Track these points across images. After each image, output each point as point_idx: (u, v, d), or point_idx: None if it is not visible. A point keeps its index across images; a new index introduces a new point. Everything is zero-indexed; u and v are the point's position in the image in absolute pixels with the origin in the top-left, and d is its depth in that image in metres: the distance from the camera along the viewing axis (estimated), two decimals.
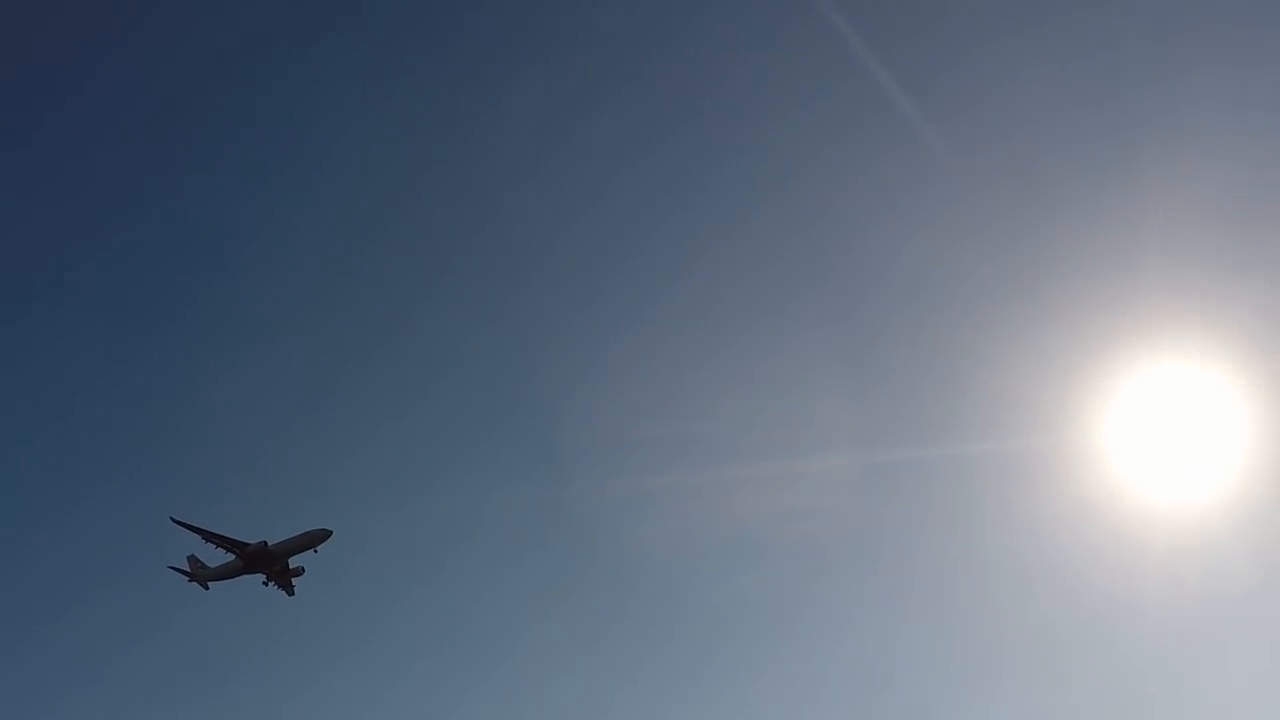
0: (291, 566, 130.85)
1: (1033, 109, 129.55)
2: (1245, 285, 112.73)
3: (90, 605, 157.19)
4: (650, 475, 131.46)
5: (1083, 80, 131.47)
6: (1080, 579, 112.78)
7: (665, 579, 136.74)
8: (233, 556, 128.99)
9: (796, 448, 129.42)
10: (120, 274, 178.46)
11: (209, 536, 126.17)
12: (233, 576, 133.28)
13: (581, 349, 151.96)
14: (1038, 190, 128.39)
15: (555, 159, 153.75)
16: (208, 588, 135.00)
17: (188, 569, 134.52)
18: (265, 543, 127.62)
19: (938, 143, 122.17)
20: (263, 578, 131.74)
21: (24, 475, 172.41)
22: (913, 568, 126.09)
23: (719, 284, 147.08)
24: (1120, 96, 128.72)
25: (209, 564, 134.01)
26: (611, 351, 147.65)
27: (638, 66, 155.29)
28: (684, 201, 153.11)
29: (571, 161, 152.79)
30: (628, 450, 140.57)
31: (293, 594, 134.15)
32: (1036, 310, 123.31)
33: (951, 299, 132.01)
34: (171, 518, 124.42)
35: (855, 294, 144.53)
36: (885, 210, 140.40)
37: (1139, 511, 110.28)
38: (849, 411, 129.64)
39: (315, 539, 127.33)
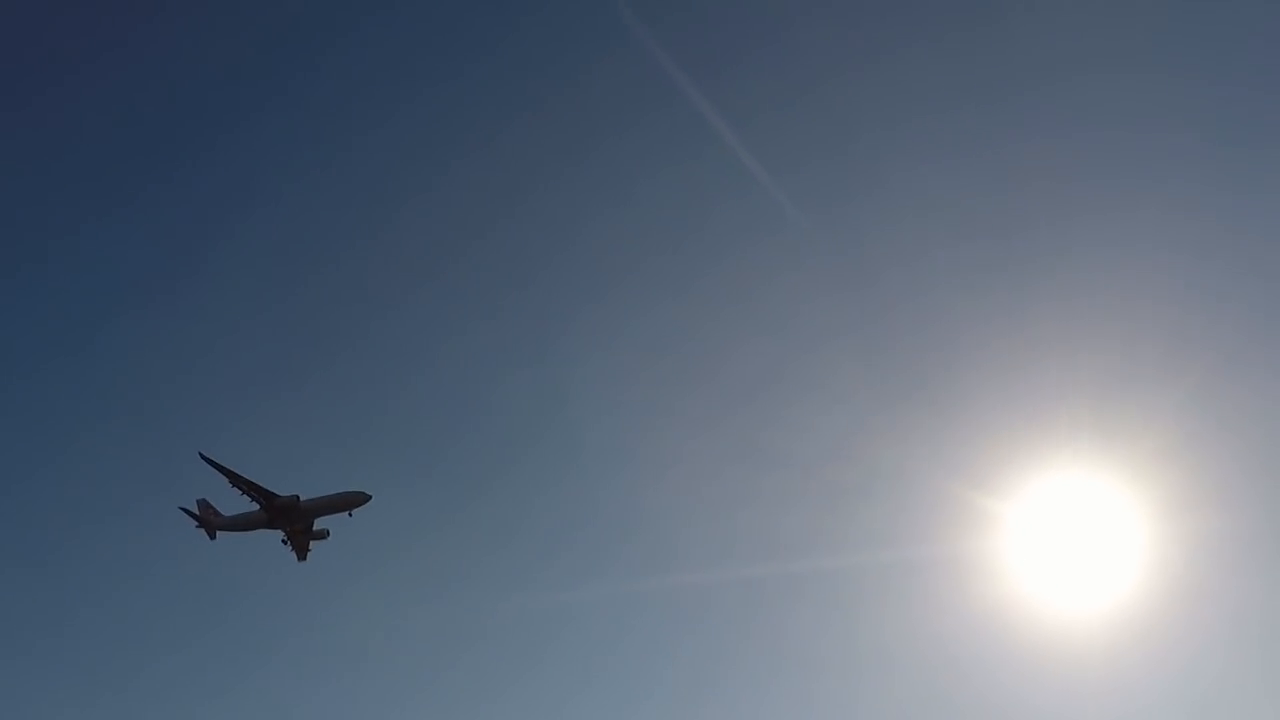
0: (316, 529, 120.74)
1: (927, 228, 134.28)
2: (1136, 400, 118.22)
3: (86, 538, 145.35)
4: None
5: (974, 206, 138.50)
6: (982, 685, 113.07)
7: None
8: (256, 507, 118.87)
9: (701, 559, 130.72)
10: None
11: (237, 480, 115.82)
12: (247, 529, 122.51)
13: None
14: (936, 308, 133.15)
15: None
16: (214, 537, 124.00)
17: (198, 513, 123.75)
18: (297, 497, 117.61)
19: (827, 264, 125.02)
20: (281, 535, 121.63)
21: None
22: (817, 675, 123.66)
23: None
24: (1009, 211, 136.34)
25: (223, 512, 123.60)
26: None
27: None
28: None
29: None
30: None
31: (304, 559, 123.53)
32: (938, 422, 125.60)
33: (857, 410, 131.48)
34: (200, 453, 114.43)
35: (753, 407, 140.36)
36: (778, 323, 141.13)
37: (1040, 618, 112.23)
38: (753, 522, 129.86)
39: (351, 502, 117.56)
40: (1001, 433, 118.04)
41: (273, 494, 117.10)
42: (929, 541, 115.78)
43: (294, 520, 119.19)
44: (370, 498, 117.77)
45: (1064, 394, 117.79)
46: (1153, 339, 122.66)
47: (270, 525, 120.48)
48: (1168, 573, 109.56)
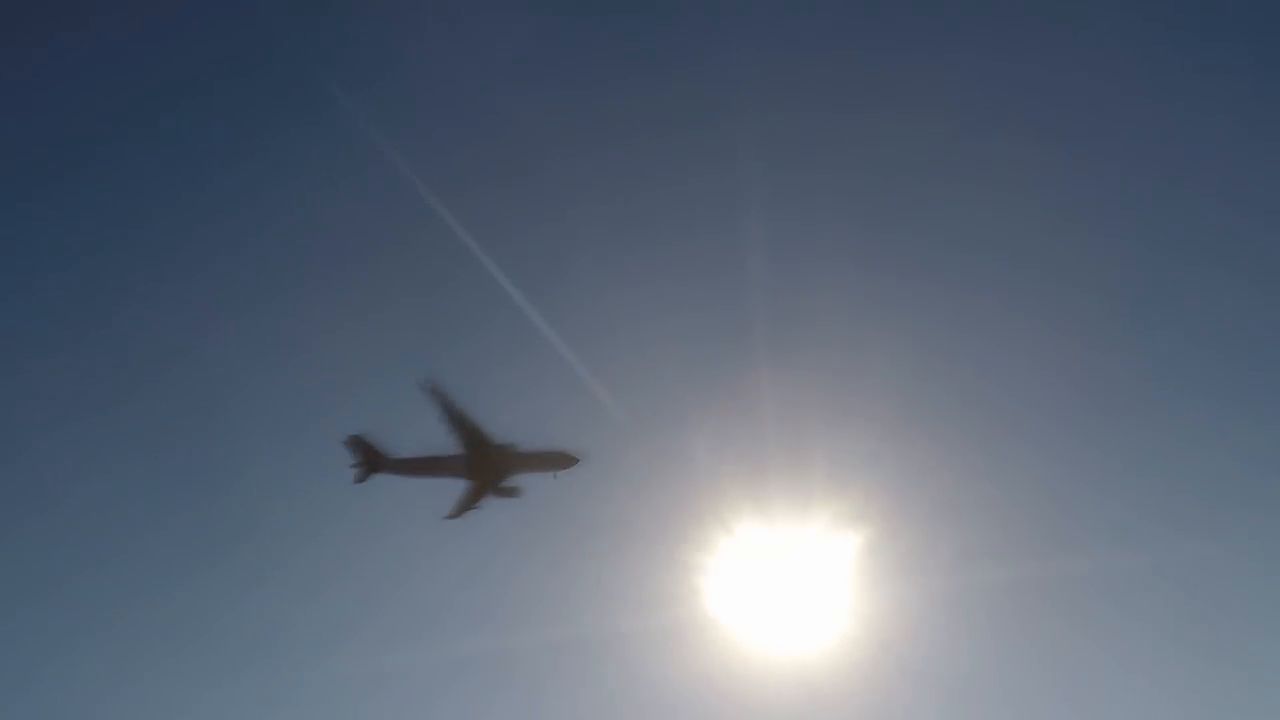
0: (506, 485, 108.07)
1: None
2: (856, 468, 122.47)
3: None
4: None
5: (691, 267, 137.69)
6: None
7: None
8: (455, 452, 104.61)
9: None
10: None
11: (453, 417, 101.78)
12: (419, 475, 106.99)
13: None
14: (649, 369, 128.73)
15: None
16: (366, 479, 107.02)
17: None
18: (514, 445, 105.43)
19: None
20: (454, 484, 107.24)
21: None
22: None
23: None
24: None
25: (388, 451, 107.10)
26: None
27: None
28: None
29: None
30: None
31: (458, 516, 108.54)
32: (657, 483, 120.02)
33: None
34: (427, 381, 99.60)
35: None
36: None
37: (756, 672, 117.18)
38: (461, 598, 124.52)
39: (560, 462, 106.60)
40: (725, 496, 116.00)
41: (488, 439, 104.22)
42: (648, 607, 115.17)
43: (495, 472, 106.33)
44: (579, 460, 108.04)
45: (789, 459, 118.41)
46: (879, 406, 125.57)
47: (461, 474, 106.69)
48: (869, 628, 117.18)
